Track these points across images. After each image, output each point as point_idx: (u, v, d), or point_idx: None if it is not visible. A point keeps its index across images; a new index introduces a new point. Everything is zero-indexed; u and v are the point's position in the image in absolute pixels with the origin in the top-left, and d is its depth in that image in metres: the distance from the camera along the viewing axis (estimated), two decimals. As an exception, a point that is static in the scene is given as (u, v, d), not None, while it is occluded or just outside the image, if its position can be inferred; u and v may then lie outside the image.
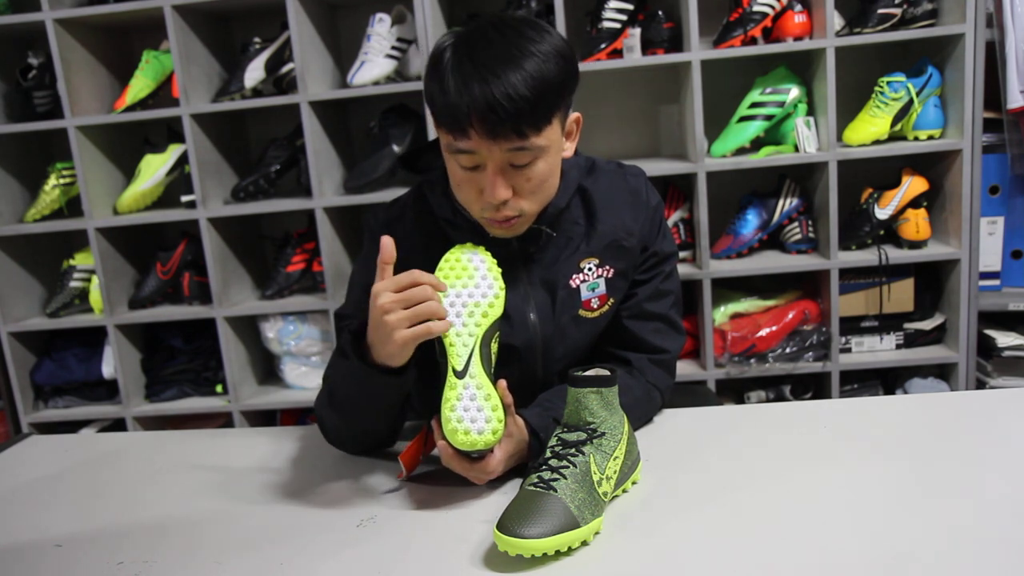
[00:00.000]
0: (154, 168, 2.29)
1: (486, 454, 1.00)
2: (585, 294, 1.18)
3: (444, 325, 0.98)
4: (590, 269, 1.18)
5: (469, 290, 1.04)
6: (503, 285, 1.06)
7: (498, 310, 1.04)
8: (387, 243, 1.01)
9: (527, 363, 1.18)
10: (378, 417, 1.11)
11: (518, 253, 1.16)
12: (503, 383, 1.01)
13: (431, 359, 1.04)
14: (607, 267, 1.19)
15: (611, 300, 1.21)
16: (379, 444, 1.18)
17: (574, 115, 1.12)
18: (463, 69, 0.99)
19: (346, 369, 1.04)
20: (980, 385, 2.16)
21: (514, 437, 1.03)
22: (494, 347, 1.04)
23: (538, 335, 1.17)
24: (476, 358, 1.00)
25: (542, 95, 0.99)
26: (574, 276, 1.18)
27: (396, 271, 1.18)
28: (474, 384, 0.98)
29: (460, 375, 0.98)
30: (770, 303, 2.23)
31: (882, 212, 2.16)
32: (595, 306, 1.19)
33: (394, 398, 1.07)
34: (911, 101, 2.08)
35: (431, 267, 1.06)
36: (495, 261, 1.08)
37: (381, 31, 2.13)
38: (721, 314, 2.21)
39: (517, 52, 0.99)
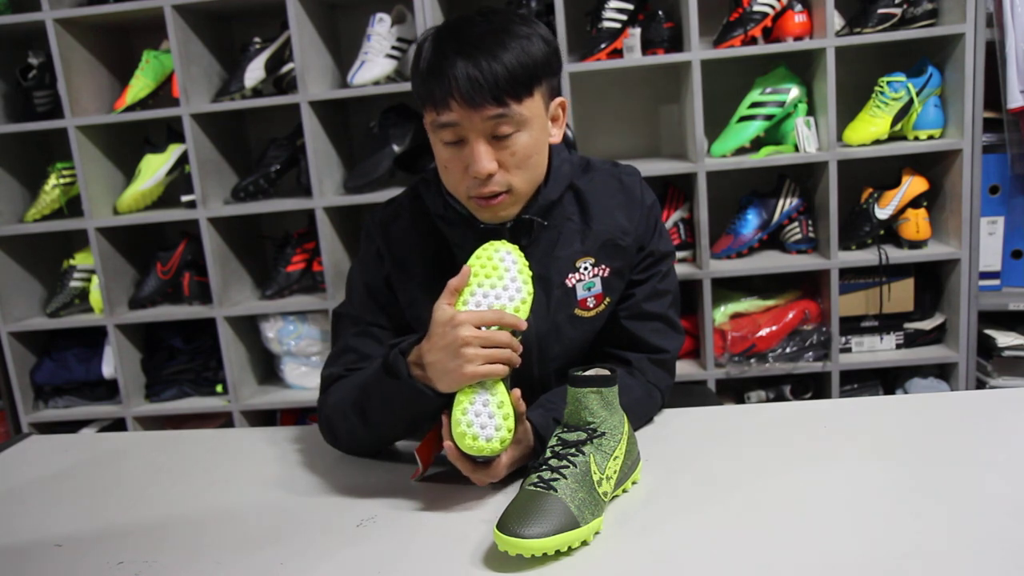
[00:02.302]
0: (154, 168, 2.29)
1: (492, 459, 1.00)
2: (581, 293, 1.18)
3: (502, 371, 0.97)
4: (586, 268, 1.18)
5: (496, 291, 1.01)
6: (531, 290, 1.04)
7: (523, 315, 1.02)
8: (465, 271, 1.01)
9: (522, 360, 1.17)
10: (409, 429, 1.11)
11: None
12: (517, 392, 1.00)
13: None
14: (603, 266, 1.19)
15: (607, 299, 1.20)
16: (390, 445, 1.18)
17: (559, 99, 1.13)
18: (445, 46, 1.01)
19: (392, 388, 1.03)
20: (980, 385, 2.16)
21: (522, 442, 1.03)
22: None
23: (532, 332, 1.16)
24: None
25: (522, 64, 1.01)
26: (570, 275, 1.18)
27: (394, 271, 1.18)
28: (488, 391, 0.97)
29: None
30: (770, 303, 2.23)
31: (882, 212, 2.16)
32: (591, 305, 1.19)
33: (433, 414, 1.05)
34: (911, 101, 2.08)
35: (429, 266, 1.05)
36: (527, 263, 1.05)
37: (381, 31, 2.13)
38: (721, 314, 2.21)
39: (500, 30, 1.02)
